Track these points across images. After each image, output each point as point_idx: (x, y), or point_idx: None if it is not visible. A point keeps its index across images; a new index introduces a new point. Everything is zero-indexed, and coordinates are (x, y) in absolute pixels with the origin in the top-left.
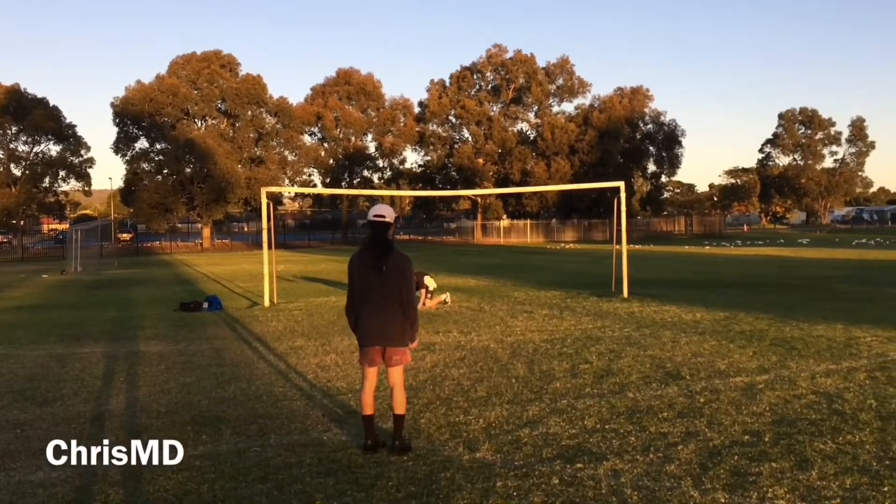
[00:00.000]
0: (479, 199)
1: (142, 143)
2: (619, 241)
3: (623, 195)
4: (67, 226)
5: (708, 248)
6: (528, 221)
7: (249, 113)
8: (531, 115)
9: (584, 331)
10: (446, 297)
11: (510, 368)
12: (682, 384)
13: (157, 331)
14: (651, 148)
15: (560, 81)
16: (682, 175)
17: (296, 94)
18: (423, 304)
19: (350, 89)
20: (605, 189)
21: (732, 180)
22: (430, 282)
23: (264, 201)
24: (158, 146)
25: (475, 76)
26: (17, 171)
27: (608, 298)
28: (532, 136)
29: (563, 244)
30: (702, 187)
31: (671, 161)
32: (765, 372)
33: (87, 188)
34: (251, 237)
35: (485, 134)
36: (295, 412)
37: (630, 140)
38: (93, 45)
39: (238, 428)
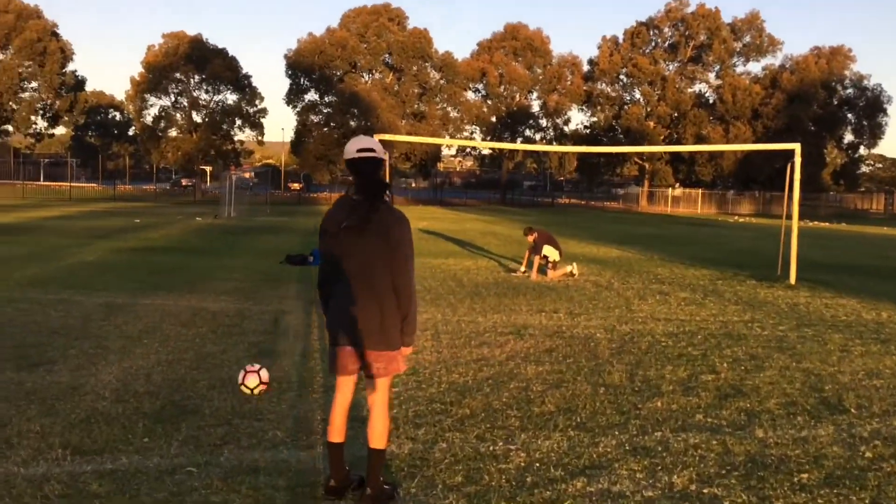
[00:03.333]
0: (646, 165)
1: (311, 96)
2: (790, 215)
3: (798, 159)
4: (249, 173)
5: None
6: (701, 191)
7: (414, 67)
8: (711, 76)
9: (725, 324)
10: (573, 267)
11: (604, 371)
12: (842, 423)
13: (240, 284)
14: (849, 115)
15: (747, 39)
16: (886, 148)
17: (461, 50)
18: (547, 275)
19: (517, 45)
20: (791, 159)
21: None
22: (551, 252)
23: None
24: (326, 99)
25: (651, 32)
26: (197, 119)
27: (769, 284)
28: (711, 99)
29: (736, 217)
30: None
31: (872, 131)
32: None
33: (260, 137)
34: (412, 192)
35: (658, 95)
36: (288, 414)
37: (824, 106)
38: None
39: (199, 431)
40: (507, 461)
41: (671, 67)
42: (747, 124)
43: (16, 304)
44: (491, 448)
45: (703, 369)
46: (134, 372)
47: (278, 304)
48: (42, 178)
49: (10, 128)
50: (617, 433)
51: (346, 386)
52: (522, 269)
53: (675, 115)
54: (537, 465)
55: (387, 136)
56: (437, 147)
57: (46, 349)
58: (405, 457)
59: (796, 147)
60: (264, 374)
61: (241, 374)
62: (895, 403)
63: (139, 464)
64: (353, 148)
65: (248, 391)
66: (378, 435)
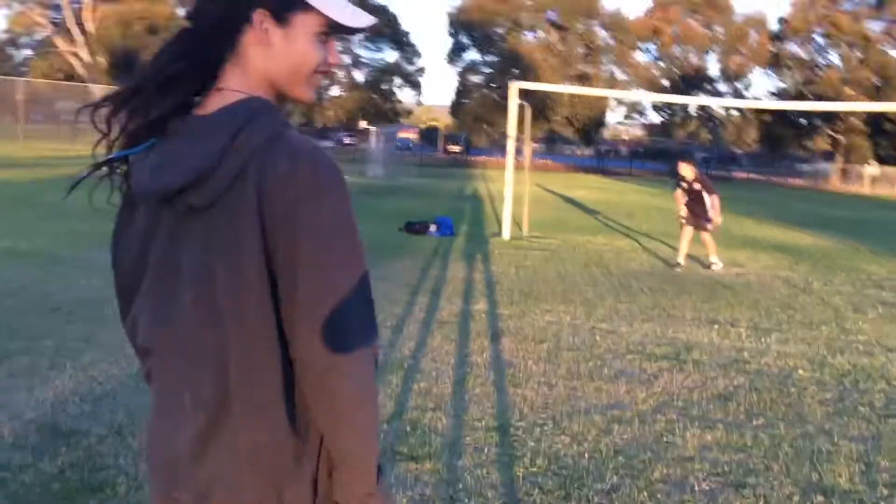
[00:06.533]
0: (841, 138)
1: (472, 55)
2: None
3: None
4: (413, 134)
5: None
6: None
7: (580, 26)
8: None
9: None
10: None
11: (820, 454)
12: None
13: None
14: None
15: None
16: None
17: (634, 7)
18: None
19: (696, 0)
20: None
21: None
22: (685, 170)
23: (513, 99)
24: (488, 59)
25: None
26: (359, 77)
27: None
28: None
29: None
30: None
31: None
32: None
33: (418, 97)
34: (576, 159)
35: (859, 59)
36: None
37: None
38: None
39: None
40: None
41: (877, 27)
42: None
43: None
44: None
45: None
46: None
47: None
48: None
49: None
50: None
51: None
52: (679, 259)
53: (879, 82)
54: None
55: (533, 86)
56: (601, 112)
57: None
58: None
59: None
60: None
61: None
62: None
63: None
64: None
65: None
66: None
